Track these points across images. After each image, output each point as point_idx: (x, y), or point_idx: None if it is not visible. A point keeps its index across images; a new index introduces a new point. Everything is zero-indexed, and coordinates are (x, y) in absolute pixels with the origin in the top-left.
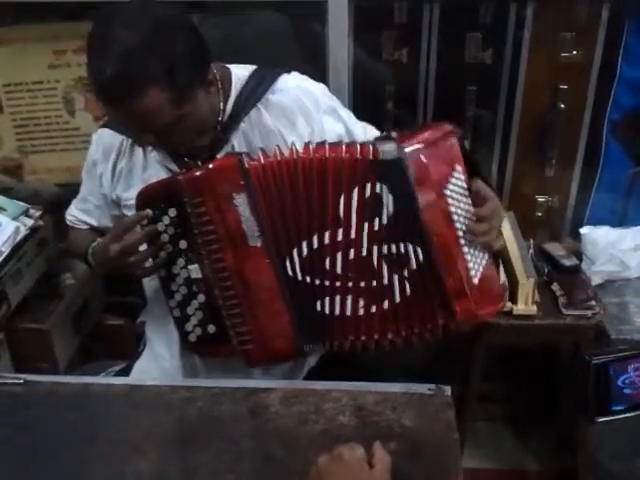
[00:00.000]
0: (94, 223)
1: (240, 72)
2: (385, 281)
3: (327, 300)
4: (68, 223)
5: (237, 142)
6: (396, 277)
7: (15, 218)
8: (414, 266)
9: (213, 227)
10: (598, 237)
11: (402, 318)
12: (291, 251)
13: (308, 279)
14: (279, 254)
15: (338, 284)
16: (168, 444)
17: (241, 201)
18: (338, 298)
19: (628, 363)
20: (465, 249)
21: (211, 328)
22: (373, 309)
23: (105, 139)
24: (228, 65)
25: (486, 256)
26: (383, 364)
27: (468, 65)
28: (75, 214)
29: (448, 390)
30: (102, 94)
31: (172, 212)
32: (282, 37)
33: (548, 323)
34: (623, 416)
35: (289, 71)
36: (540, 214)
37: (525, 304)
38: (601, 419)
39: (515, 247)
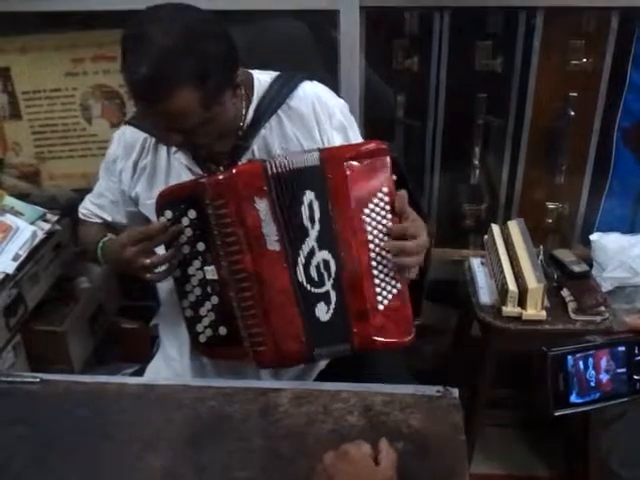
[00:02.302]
0: (108, 218)
1: (262, 77)
2: (326, 287)
3: (318, 306)
4: (80, 217)
5: (257, 147)
6: (329, 285)
7: (32, 222)
8: (333, 275)
9: (233, 229)
10: (608, 243)
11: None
12: (297, 257)
13: (308, 286)
14: (293, 259)
15: (317, 291)
16: (180, 442)
17: (263, 205)
18: (321, 304)
19: (588, 357)
20: (375, 272)
21: (222, 330)
22: (328, 315)
23: (127, 136)
24: (250, 70)
25: (398, 286)
26: (393, 368)
27: (478, 73)
28: (89, 208)
29: (456, 392)
30: (136, 93)
31: (192, 214)
32: (300, 44)
33: (557, 328)
34: (582, 409)
35: (311, 78)
36: (550, 221)
37: (534, 309)
38: (559, 412)
39: (525, 253)
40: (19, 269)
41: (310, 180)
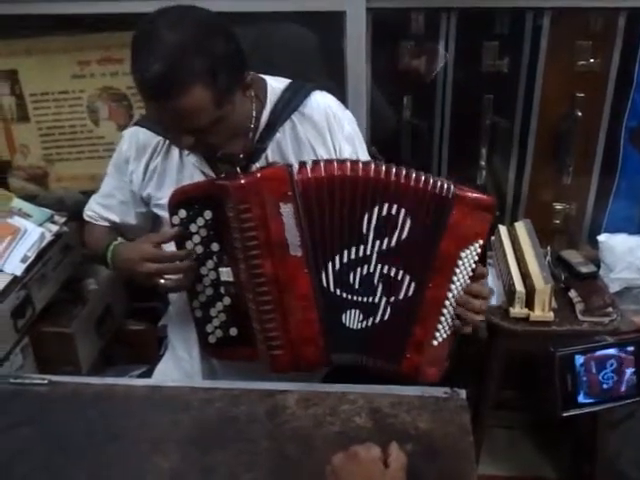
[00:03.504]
0: (116, 220)
1: (275, 84)
2: (376, 299)
3: (348, 313)
4: (86, 218)
5: (270, 151)
6: (384, 299)
7: (40, 224)
8: (401, 296)
9: (256, 233)
10: (616, 244)
11: (374, 340)
12: (327, 263)
13: (338, 292)
14: (317, 265)
15: (355, 298)
16: (188, 444)
17: (287, 211)
18: (355, 312)
19: (607, 358)
20: (444, 311)
21: (233, 331)
22: (363, 324)
23: (140, 137)
24: (263, 76)
25: (450, 331)
26: None
27: (485, 74)
28: (96, 210)
29: (463, 393)
30: (148, 92)
31: (207, 214)
32: (304, 50)
33: (565, 329)
34: (590, 410)
35: (322, 89)
36: (558, 221)
37: (542, 310)
38: (568, 413)
39: (532, 254)
40: (27, 271)
41: (410, 200)
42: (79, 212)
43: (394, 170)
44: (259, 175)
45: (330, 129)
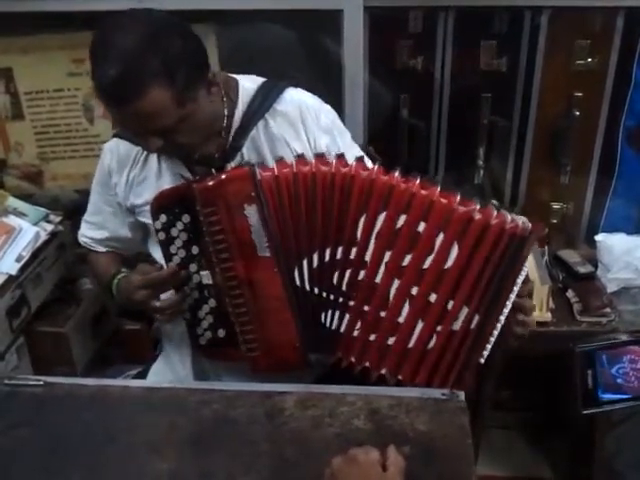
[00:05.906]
0: (110, 235)
1: (247, 84)
2: (400, 319)
3: (330, 313)
4: (82, 244)
5: (246, 150)
6: (421, 325)
7: (35, 223)
8: (456, 327)
9: (224, 236)
10: (613, 244)
11: (409, 363)
12: (301, 261)
13: (316, 290)
14: (288, 264)
15: (341, 300)
16: (185, 446)
17: (252, 212)
18: (338, 314)
19: (624, 353)
20: (495, 332)
21: (221, 332)
22: (372, 337)
23: (121, 150)
24: (234, 75)
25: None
26: None
27: (483, 73)
28: (89, 234)
29: (462, 395)
30: (107, 97)
31: (186, 218)
32: (294, 47)
33: (563, 330)
34: (611, 408)
35: (296, 85)
36: (555, 221)
37: (540, 311)
38: (589, 411)
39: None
40: (22, 270)
41: (457, 227)
42: (74, 211)
43: (417, 181)
44: (223, 177)
45: (304, 122)
